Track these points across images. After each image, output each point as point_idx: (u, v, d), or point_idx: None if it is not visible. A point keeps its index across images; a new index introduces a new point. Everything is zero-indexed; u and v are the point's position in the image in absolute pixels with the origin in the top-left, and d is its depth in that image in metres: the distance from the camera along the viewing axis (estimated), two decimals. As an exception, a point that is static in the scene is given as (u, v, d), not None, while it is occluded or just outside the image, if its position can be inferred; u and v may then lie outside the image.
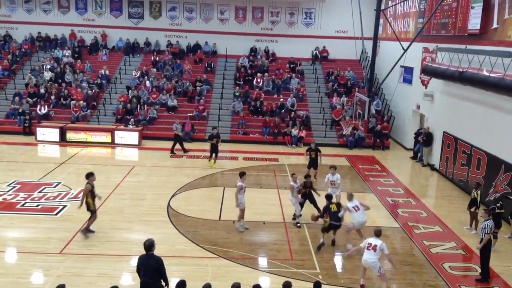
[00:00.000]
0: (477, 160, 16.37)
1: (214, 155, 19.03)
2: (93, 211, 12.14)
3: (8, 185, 15.66)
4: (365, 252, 10.06)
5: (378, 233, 10.12)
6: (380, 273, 9.93)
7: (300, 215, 13.48)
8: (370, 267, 10.06)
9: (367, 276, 10.39)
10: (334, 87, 26.81)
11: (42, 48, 29.39)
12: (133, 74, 27.23)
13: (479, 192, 13.31)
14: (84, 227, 12.22)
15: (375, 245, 9.88)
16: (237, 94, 25.93)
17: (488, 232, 10.58)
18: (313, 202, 13.69)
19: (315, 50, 29.94)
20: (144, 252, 8.16)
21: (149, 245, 8.14)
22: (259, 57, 29.37)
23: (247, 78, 27.48)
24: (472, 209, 13.46)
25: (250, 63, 28.64)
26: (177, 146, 20.92)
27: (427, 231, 13.62)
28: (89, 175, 12.18)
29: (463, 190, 17.08)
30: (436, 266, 11.42)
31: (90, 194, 12.00)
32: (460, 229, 13.73)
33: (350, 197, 12.22)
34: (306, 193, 13.67)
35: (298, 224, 13.35)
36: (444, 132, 19.11)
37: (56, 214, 13.57)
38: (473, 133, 16.99)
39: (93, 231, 12.26)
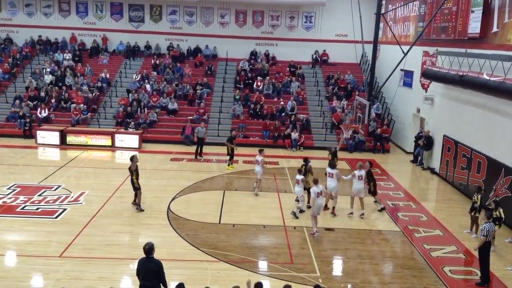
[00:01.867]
0: (477, 164, 16.36)
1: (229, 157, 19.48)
2: (137, 188, 14.12)
3: (8, 188, 15.66)
4: (356, 183, 14.41)
5: (360, 166, 14.70)
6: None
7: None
8: (358, 193, 14.41)
9: (367, 280, 10.36)
10: (334, 91, 26.83)
11: (43, 52, 29.45)
12: (134, 77, 27.26)
13: (479, 196, 13.29)
14: (136, 206, 14.23)
15: (361, 175, 14.37)
16: (237, 97, 25.95)
17: (485, 234, 10.57)
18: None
19: (315, 53, 29.99)
20: (144, 256, 8.15)
21: (148, 249, 8.13)
22: (259, 60, 29.41)
23: (247, 81, 27.50)
24: (473, 213, 13.44)
25: (251, 66, 28.68)
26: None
27: (428, 234, 13.60)
28: (133, 157, 14.15)
29: (464, 194, 17.06)
30: (436, 270, 11.39)
31: (135, 173, 13.96)
32: (461, 233, 13.71)
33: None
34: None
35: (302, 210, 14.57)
36: (444, 135, 19.11)
37: (56, 217, 13.55)
38: (473, 136, 16.99)
39: (143, 210, 14.13)
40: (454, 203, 16.52)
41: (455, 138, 18.23)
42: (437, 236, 13.59)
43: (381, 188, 17.77)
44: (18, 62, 28.07)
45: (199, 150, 21.07)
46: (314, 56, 29.97)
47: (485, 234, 10.57)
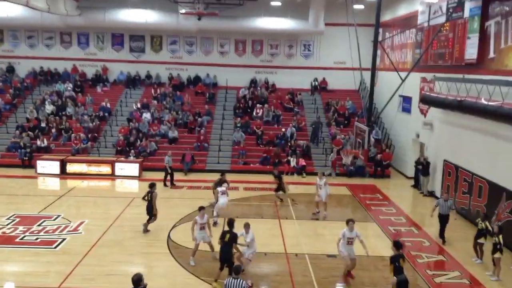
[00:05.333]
0: (478, 188, 16.31)
1: None
2: (155, 215, 14.69)
3: (8, 219, 15.56)
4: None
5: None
6: None
7: None
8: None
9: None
10: (333, 117, 26.97)
11: (44, 82, 29.72)
12: (134, 106, 27.44)
13: (486, 222, 13.17)
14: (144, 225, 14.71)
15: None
16: (238, 125, 26.07)
17: None
18: None
19: (314, 81, 30.27)
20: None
21: (137, 280, 8.00)
22: (259, 88, 29.67)
23: (247, 109, 27.69)
24: (479, 240, 13.30)
25: (250, 94, 28.91)
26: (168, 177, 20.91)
27: (431, 260, 13.46)
28: (153, 185, 14.76)
29: (466, 219, 16.94)
30: (441, 296, 11.22)
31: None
32: (464, 257, 13.55)
33: None
34: None
35: None
36: (444, 160, 19.10)
37: (55, 247, 13.44)
38: (473, 161, 16.98)
39: (149, 230, 14.70)
40: (457, 228, 16.32)
41: (455, 163, 18.21)
42: (440, 261, 13.44)
43: (382, 213, 17.69)
44: (20, 92, 28.31)
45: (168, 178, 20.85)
46: (313, 83, 30.24)
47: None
